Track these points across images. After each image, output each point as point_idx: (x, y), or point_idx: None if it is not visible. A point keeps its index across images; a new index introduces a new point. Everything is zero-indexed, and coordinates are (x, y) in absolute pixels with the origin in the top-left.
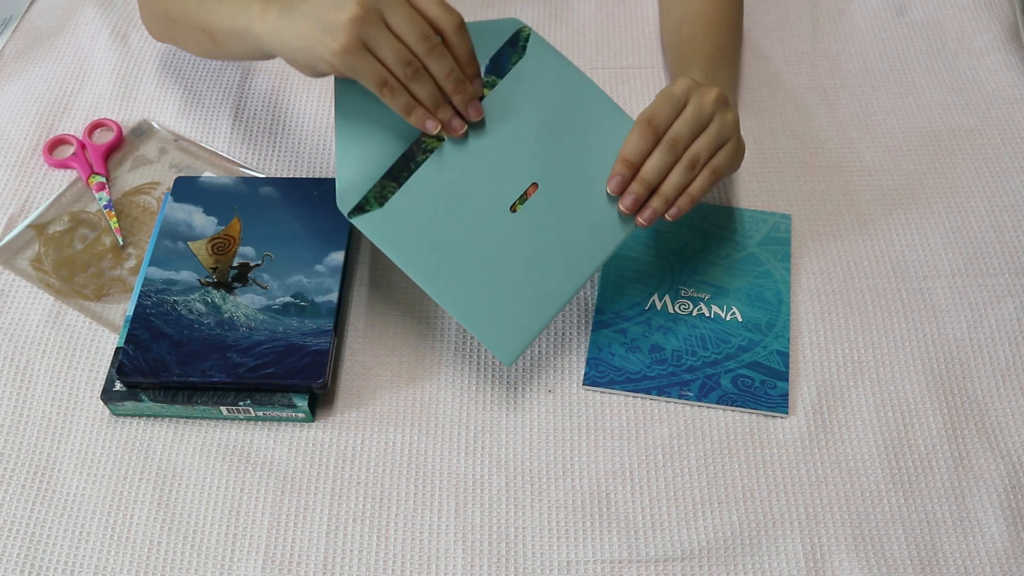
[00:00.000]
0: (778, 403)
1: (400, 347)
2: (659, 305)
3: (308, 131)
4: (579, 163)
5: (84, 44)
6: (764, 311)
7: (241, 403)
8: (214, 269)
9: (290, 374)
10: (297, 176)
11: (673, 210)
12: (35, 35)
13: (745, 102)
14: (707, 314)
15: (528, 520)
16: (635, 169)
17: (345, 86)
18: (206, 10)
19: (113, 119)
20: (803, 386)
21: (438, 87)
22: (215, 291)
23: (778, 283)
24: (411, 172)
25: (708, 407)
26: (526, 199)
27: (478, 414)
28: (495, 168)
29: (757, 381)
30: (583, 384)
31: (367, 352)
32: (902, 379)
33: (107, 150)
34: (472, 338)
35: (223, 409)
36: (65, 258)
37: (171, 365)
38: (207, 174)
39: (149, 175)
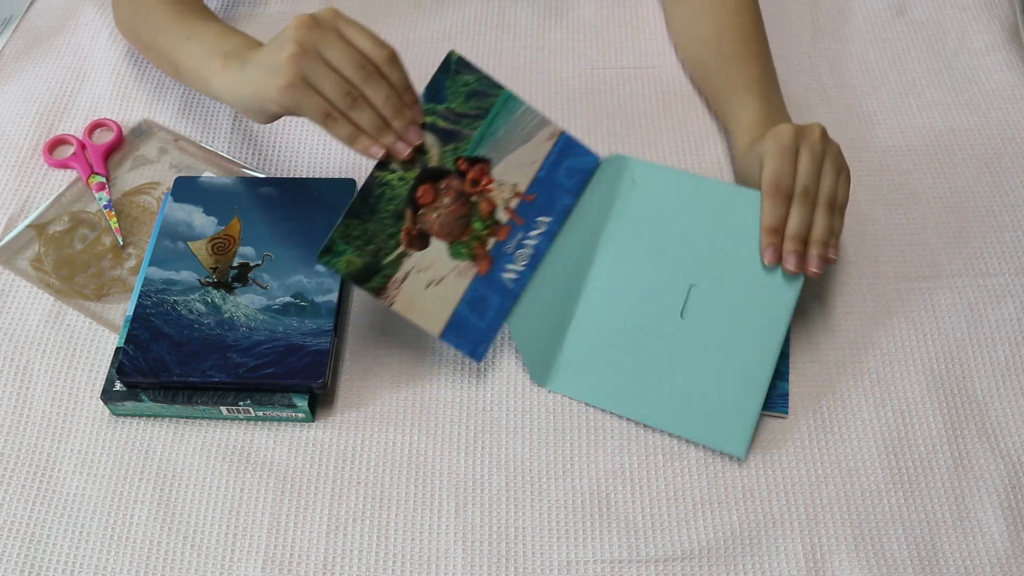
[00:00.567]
0: (778, 403)
1: (400, 347)
2: None
3: (308, 131)
4: (727, 251)
5: (84, 44)
6: None
7: (241, 403)
8: (214, 269)
9: (290, 374)
10: (297, 176)
11: (832, 252)
12: (35, 35)
13: None
14: None
15: (528, 520)
16: (781, 234)
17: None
18: (174, 45)
19: (113, 119)
20: (803, 386)
21: (379, 115)
22: (215, 291)
23: None
24: (371, 208)
25: None
26: (688, 301)
27: (478, 414)
28: (652, 287)
29: None
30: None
31: (367, 352)
32: (902, 379)
33: (107, 150)
34: None
35: (223, 409)
36: (65, 258)
37: (171, 365)
38: (207, 174)
39: (149, 175)
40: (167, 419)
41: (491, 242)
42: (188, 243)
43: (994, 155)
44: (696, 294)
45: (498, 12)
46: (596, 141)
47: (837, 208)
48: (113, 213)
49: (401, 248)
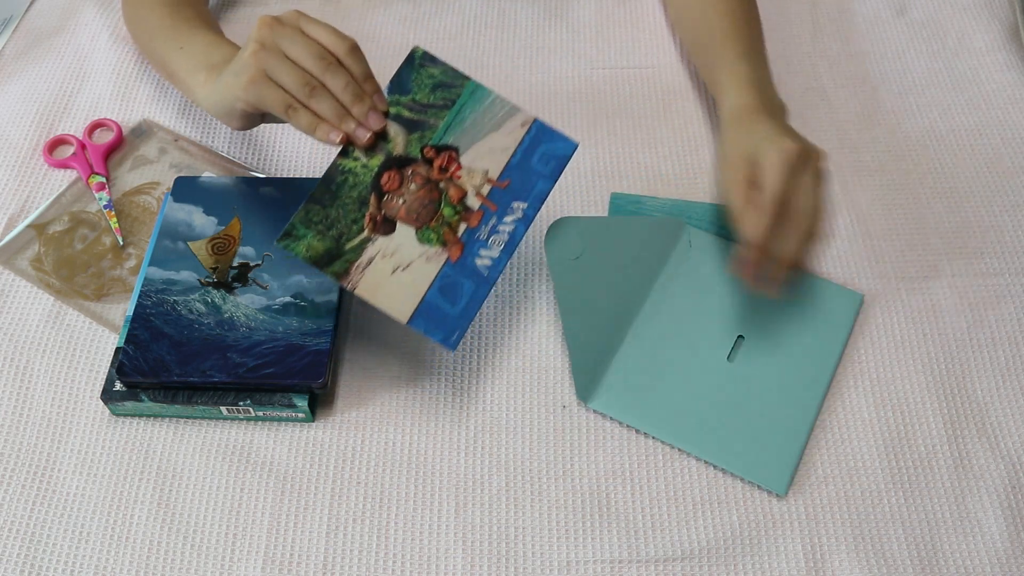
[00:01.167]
0: None
1: (400, 347)
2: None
3: None
4: (774, 310)
5: (84, 44)
6: None
7: (241, 403)
8: (214, 269)
9: (290, 374)
10: (297, 176)
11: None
12: (35, 35)
13: None
14: None
15: (528, 520)
16: (762, 252)
17: (563, 291)
18: (168, 53)
19: (113, 119)
20: None
21: (340, 103)
22: (215, 291)
23: None
24: (333, 194)
25: None
26: (735, 349)
27: (478, 414)
28: (701, 331)
29: None
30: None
31: (367, 352)
32: (902, 379)
33: (107, 150)
34: (472, 338)
35: (223, 409)
36: (65, 258)
37: (171, 365)
38: (207, 174)
39: (149, 175)
40: (167, 419)
41: (462, 228)
42: (188, 243)
43: (994, 155)
44: (743, 343)
45: (498, 12)
46: (596, 141)
47: (818, 232)
48: (113, 213)
49: (365, 233)
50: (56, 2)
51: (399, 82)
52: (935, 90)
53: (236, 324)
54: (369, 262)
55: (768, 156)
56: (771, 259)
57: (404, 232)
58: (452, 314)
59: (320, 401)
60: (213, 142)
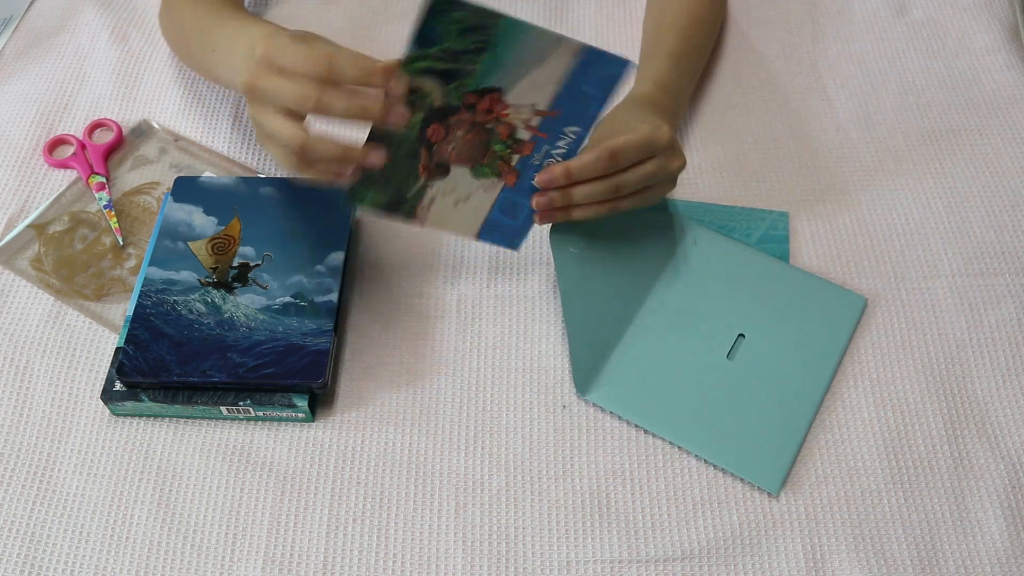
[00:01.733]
0: None
1: (400, 347)
2: None
3: None
4: (776, 312)
5: (84, 44)
6: None
7: (241, 403)
8: (214, 269)
9: (290, 374)
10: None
11: (555, 215)
12: (35, 35)
13: (745, 102)
14: None
15: (528, 520)
16: (570, 183)
17: (566, 282)
18: (205, 58)
19: (113, 119)
20: None
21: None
22: (215, 291)
23: None
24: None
25: None
26: (735, 347)
27: (478, 414)
28: (701, 328)
29: None
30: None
31: (367, 352)
32: (902, 379)
33: (107, 150)
34: (472, 338)
35: (223, 409)
36: (65, 258)
37: (171, 365)
38: (207, 174)
39: (149, 175)
40: (167, 419)
41: (515, 158)
42: (188, 243)
43: (994, 155)
44: (743, 342)
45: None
46: None
47: (610, 207)
48: (113, 213)
49: (422, 181)
50: (56, 2)
51: (424, 34)
52: (935, 90)
53: (236, 324)
54: (431, 202)
55: (640, 127)
56: (572, 200)
57: (459, 171)
58: (514, 226)
59: (320, 401)
60: (213, 142)
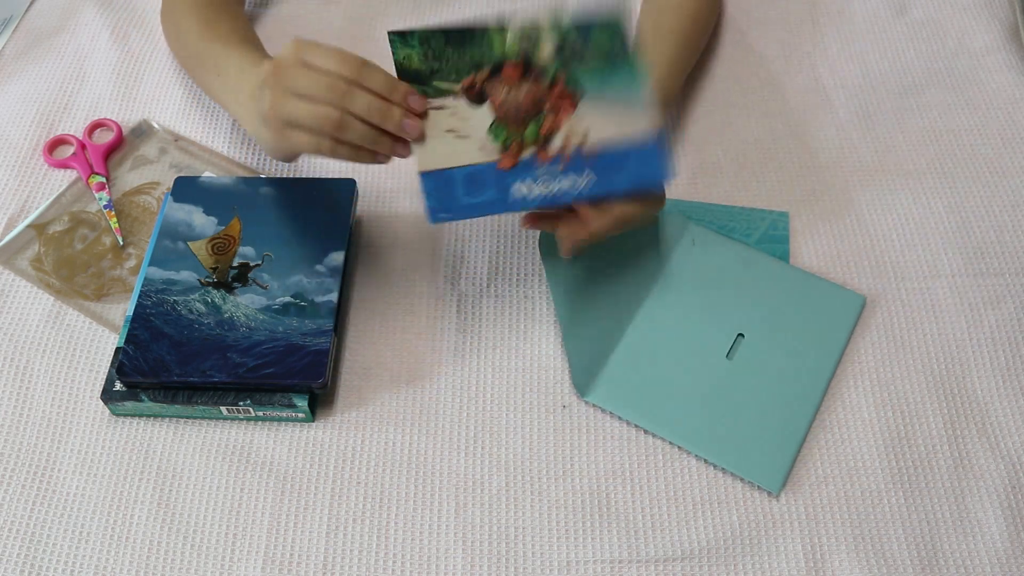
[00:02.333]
0: None
1: (400, 347)
2: None
3: None
4: (775, 312)
5: (84, 44)
6: None
7: (241, 403)
8: (214, 269)
9: (290, 374)
10: (297, 176)
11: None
12: (35, 35)
13: (745, 102)
14: None
15: (528, 520)
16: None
17: (556, 279)
18: (209, 81)
19: (113, 119)
20: None
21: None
22: (215, 291)
23: None
24: (460, 40)
25: None
26: (735, 347)
27: (478, 414)
28: (700, 329)
29: None
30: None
31: (367, 352)
32: (902, 379)
33: (107, 150)
34: (472, 338)
35: (223, 409)
36: (65, 258)
37: (171, 365)
38: (207, 174)
39: (149, 175)
40: (167, 419)
41: (529, 151)
42: (188, 243)
43: (994, 155)
44: (743, 342)
45: (498, 12)
46: None
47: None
48: (113, 213)
49: (456, 87)
50: (56, 2)
51: (587, 31)
52: (935, 90)
53: (236, 324)
54: (439, 107)
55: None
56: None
57: (484, 113)
58: (457, 200)
59: (320, 401)
60: (213, 142)
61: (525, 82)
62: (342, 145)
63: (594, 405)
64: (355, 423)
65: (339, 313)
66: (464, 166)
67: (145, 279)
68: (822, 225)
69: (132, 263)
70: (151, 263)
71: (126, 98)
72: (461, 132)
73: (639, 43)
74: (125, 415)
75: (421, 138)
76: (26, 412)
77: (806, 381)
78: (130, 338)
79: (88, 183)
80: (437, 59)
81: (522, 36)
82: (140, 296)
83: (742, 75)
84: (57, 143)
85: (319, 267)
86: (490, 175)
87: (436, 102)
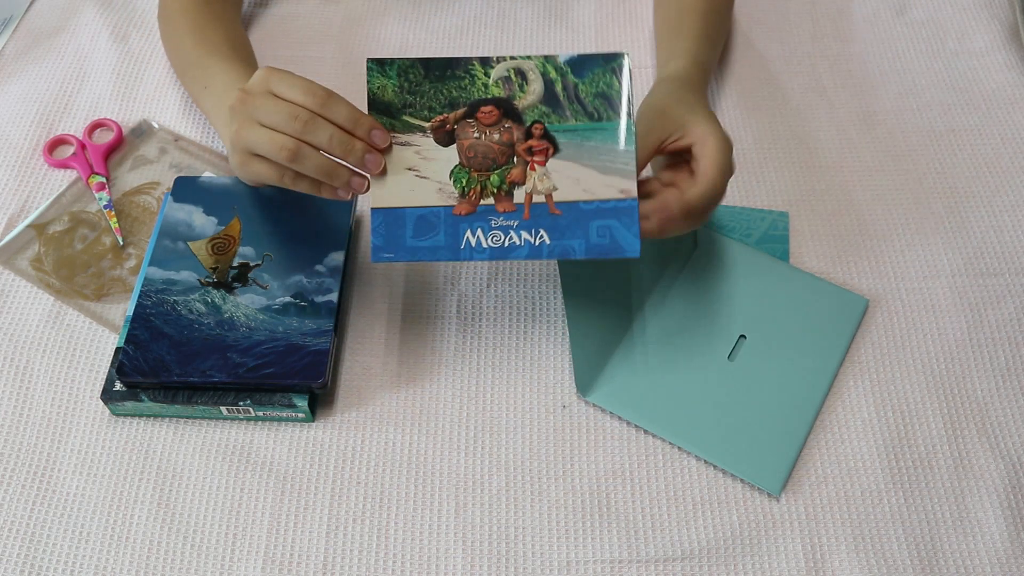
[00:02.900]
0: None
1: (400, 347)
2: None
3: None
4: (777, 313)
5: (84, 44)
6: None
7: (241, 403)
8: (214, 269)
9: (290, 374)
10: None
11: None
12: (35, 35)
13: (745, 102)
14: None
15: (528, 520)
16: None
17: (568, 283)
18: (197, 91)
19: (113, 119)
20: None
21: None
22: (215, 291)
23: None
24: (440, 77)
25: None
26: (736, 348)
27: (478, 414)
28: (702, 329)
29: None
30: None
31: (367, 352)
32: (902, 379)
33: (107, 150)
34: (472, 338)
35: (223, 409)
36: (65, 258)
37: (171, 365)
38: (207, 174)
39: (149, 175)
40: (167, 419)
41: (488, 200)
42: (188, 243)
43: (994, 155)
44: (744, 344)
45: (498, 12)
46: None
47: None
48: (113, 213)
49: (426, 125)
50: (56, 2)
51: (580, 62)
52: (935, 90)
53: (236, 324)
54: (404, 144)
55: (706, 145)
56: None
57: (450, 154)
58: (404, 241)
59: (320, 401)
60: (213, 142)
61: (500, 126)
62: (303, 178)
63: (594, 405)
64: (355, 423)
65: (339, 313)
66: (415, 207)
67: (145, 279)
68: (822, 225)
69: (132, 263)
70: (151, 263)
71: (126, 98)
72: (422, 172)
73: (664, 26)
74: (125, 415)
75: (382, 174)
76: (26, 412)
77: (808, 384)
78: (130, 338)
79: (88, 183)
80: (412, 93)
81: (508, 76)
82: (140, 296)
83: (742, 75)
84: (57, 143)
85: (319, 267)
86: (441, 220)
87: (402, 138)
